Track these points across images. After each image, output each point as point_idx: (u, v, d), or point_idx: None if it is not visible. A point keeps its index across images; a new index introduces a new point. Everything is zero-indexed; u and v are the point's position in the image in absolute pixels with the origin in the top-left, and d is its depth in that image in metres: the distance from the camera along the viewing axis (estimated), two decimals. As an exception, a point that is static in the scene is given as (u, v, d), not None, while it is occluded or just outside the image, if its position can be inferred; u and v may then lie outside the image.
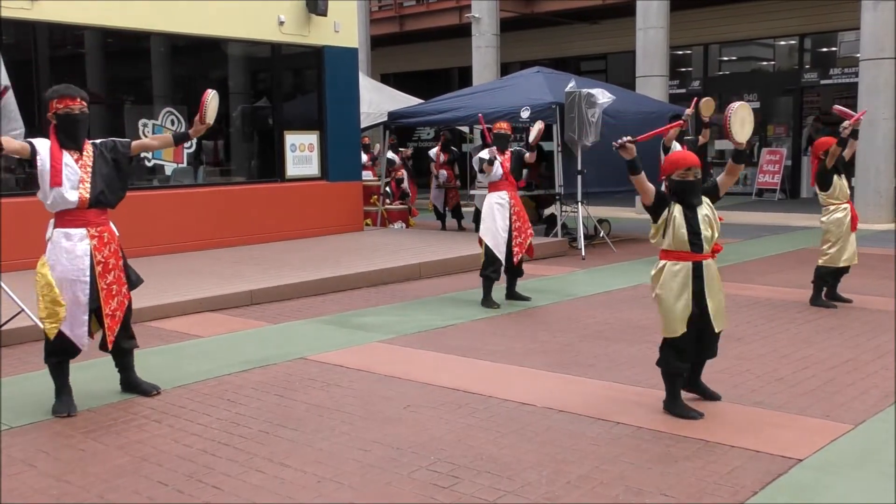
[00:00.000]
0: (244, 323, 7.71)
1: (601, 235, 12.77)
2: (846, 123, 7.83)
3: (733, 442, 4.46)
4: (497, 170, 8.26)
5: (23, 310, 6.86)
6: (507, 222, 8.20)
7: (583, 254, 11.50)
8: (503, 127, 8.51)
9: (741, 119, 4.98)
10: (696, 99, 11.10)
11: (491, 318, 7.80)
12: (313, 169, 13.11)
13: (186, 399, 5.42)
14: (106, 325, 5.27)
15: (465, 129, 17.06)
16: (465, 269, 10.49)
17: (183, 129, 11.61)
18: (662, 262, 4.98)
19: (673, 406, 4.93)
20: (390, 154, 15.62)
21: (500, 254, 8.17)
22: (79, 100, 5.17)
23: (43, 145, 5.12)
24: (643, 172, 4.87)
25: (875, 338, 6.73)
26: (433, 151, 15.59)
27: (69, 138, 5.17)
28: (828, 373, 5.76)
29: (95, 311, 5.27)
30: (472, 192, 14.70)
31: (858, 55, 15.60)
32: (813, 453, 4.30)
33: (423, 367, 6.11)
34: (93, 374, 5.90)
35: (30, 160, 5.16)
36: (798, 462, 4.19)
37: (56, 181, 5.05)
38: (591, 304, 8.36)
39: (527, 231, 8.35)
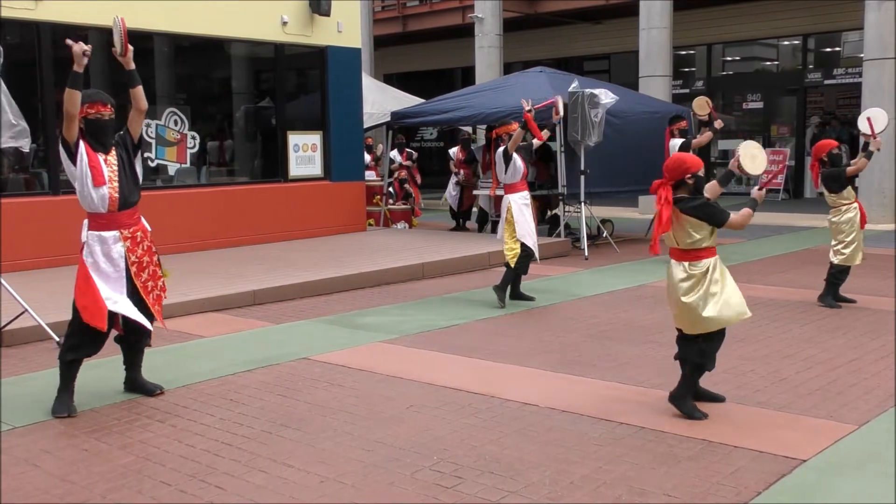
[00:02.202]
0: (247, 323, 7.71)
1: (604, 235, 12.76)
2: (875, 140, 7.90)
3: (736, 442, 4.46)
4: (518, 167, 8.27)
5: (26, 310, 6.87)
6: (533, 221, 8.42)
7: (586, 254, 11.49)
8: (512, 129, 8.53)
9: (751, 156, 5.05)
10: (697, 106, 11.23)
11: (494, 318, 7.80)
12: (316, 169, 13.11)
13: (189, 399, 5.43)
14: (152, 311, 5.41)
15: (469, 128, 17.05)
16: (469, 269, 10.50)
17: (185, 127, 11.64)
18: (713, 258, 4.90)
19: (682, 402, 4.91)
20: (394, 153, 15.62)
21: (537, 251, 8.39)
22: (109, 106, 5.30)
23: (81, 146, 5.20)
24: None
25: (878, 338, 6.72)
26: (453, 151, 15.57)
27: (98, 142, 5.27)
28: (831, 373, 5.75)
29: (138, 306, 5.37)
30: (476, 192, 14.71)
31: (862, 55, 15.58)
32: (816, 454, 4.29)
33: (425, 367, 6.11)
34: (96, 374, 5.90)
35: (71, 148, 5.15)
36: (801, 462, 4.18)
37: (100, 180, 5.17)
38: (594, 304, 8.36)
39: None
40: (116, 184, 5.26)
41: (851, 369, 5.84)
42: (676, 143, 10.73)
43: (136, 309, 5.28)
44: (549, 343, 6.77)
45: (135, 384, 5.57)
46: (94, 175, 5.17)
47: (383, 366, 6.13)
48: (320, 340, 6.96)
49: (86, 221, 5.32)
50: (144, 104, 5.44)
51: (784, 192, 19.97)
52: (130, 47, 5.30)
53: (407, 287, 9.51)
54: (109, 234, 5.26)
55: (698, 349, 4.92)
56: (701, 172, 4.90)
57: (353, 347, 6.71)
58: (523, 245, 8.21)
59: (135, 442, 4.65)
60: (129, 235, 5.32)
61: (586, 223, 12.06)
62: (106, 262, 5.23)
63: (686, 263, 4.88)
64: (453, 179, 15.27)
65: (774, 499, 3.80)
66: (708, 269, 4.85)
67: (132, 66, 5.38)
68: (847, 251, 7.95)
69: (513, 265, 8.23)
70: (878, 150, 8.03)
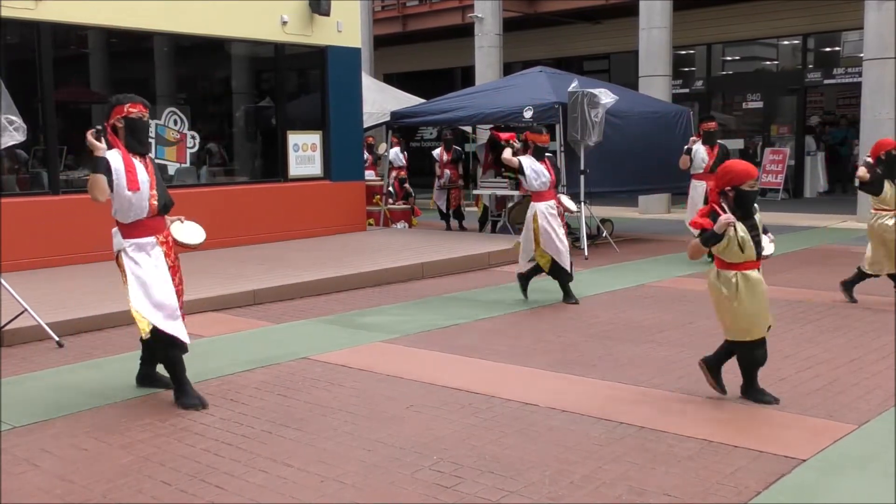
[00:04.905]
0: (247, 323, 7.71)
1: (604, 235, 12.77)
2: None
3: (736, 442, 4.46)
4: (544, 177, 8.29)
5: (26, 309, 6.87)
6: (562, 230, 8.35)
7: (586, 254, 11.49)
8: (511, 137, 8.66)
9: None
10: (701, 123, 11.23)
11: (494, 317, 7.80)
12: (316, 169, 13.10)
13: (190, 399, 5.43)
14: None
15: (469, 128, 17.05)
16: (469, 268, 10.50)
17: (185, 127, 11.64)
18: (735, 273, 4.97)
19: (755, 392, 5.14)
20: (393, 155, 15.61)
21: (567, 264, 8.28)
22: (147, 108, 5.31)
23: (114, 156, 5.09)
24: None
25: (879, 338, 6.72)
26: (437, 152, 15.58)
27: (139, 142, 5.24)
28: (831, 373, 5.76)
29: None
30: (476, 192, 14.73)
31: (862, 55, 15.58)
32: (816, 453, 4.29)
33: (426, 366, 6.11)
34: (97, 373, 5.91)
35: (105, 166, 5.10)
36: (801, 462, 4.18)
37: (134, 185, 5.08)
38: (594, 304, 8.36)
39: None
40: (156, 191, 5.21)
41: (852, 369, 5.84)
42: (699, 148, 10.82)
43: (178, 323, 5.23)
44: (549, 343, 6.77)
45: (151, 378, 5.62)
46: (129, 179, 5.05)
47: (383, 365, 6.13)
48: (320, 340, 6.96)
49: (116, 230, 5.21)
50: None
51: (784, 191, 19.97)
52: None
53: (407, 287, 9.51)
54: (147, 241, 5.20)
55: (747, 349, 5.09)
56: (747, 186, 4.87)
57: (353, 347, 6.71)
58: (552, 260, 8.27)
59: (135, 441, 4.65)
60: (164, 240, 5.30)
61: (586, 223, 12.06)
62: (153, 266, 5.17)
63: (718, 271, 5.07)
64: (437, 182, 15.28)
65: (774, 498, 3.80)
66: (736, 280, 4.95)
67: None
68: (879, 259, 7.79)
69: (546, 270, 8.33)
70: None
